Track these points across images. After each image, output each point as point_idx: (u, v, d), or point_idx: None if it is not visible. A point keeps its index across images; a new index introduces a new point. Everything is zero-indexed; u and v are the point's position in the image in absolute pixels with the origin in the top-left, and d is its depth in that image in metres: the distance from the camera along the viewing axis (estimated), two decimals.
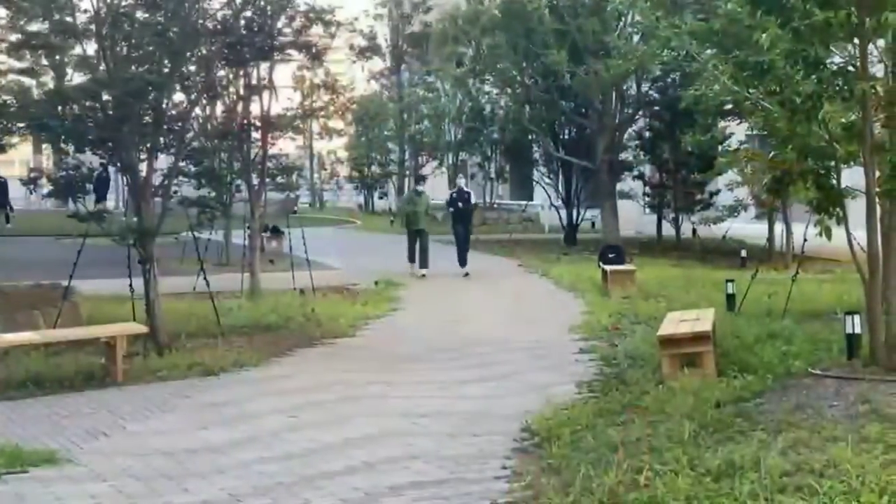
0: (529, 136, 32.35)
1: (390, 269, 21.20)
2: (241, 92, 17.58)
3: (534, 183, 36.27)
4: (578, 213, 31.71)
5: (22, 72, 14.76)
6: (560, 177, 32.69)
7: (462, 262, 22.23)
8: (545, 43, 27.01)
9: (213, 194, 19.19)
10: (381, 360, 12.00)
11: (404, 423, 8.74)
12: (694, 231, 29.15)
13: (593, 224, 32.17)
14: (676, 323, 10.71)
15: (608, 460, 6.96)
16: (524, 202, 40.29)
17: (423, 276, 21.34)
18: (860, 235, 9.44)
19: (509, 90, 31.48)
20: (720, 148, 25.00)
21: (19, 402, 9.86)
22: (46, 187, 13.73)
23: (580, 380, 10.44)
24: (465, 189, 24.38)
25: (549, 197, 33.33)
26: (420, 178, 26.00)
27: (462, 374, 11.00)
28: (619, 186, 29.69)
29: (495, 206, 44.42)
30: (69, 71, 15.12)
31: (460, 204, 23.38)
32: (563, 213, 31.89)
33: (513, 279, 21.26)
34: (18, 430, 8.72)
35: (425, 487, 6.86)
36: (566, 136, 32.59)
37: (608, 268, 18.54)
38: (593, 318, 14.87)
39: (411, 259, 22.17)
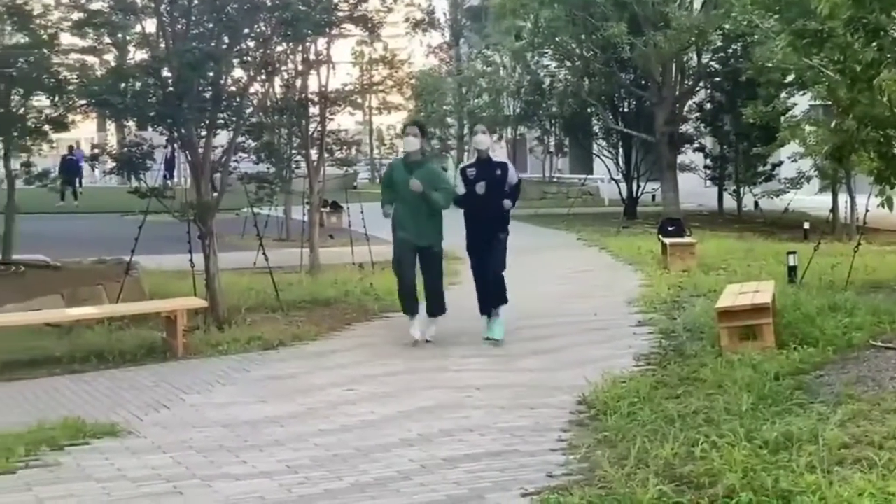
0: (589, 110, 32.15)
1: (450, 242, 21.19)
2: (299, 67, 17.65)
3: (593, 156, 36.07)
4: (638, 187, 31.50)
5: (84, 50, 14.94)
6: (620, 150, 32.48)
7: (485, 306, 11.54)
8: (604, 15, 26.80)
9: (273, 170, 19.34)
10: (437, 333, 12.02)
11: (460, 396, 8.76)
12: (756, 203, 28.86)
13: (653, 197, 31.95)
14: (736, 295, 10.61)
15: (664, 433, 6.94)
16: (584, 176, 40.10)
17: (427, 340, 11.24)
18: None
19: (568, 63, 31.31)
20: (782, 119, 24.67)
21: (82, 376, 10.01)
22: (109, 164, 13.91)
23: (638, 353, 10.38)
24: (497, 159, 11.74)
25: (609, 170, 33.13)
26: (415, 129, 11.44)
27: (518, 348, 10.98)
28: (679, 159, 29.44)
29: (555, 179, 44.29)
30: (131, 49, 15.26)
31: (481, 190, 11.15)
32: (623, 186, 31.70)
33: (571, 252, 21.18)
34: (81, 402, 8.87)
35: (480, 459, 6.87)
36: (626, 109, 32.35)
37: (668, 241, 18.40)
38: (652, 290, 14.78)
39: (409, 309, 11.42)
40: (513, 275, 15.15)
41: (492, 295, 11.37)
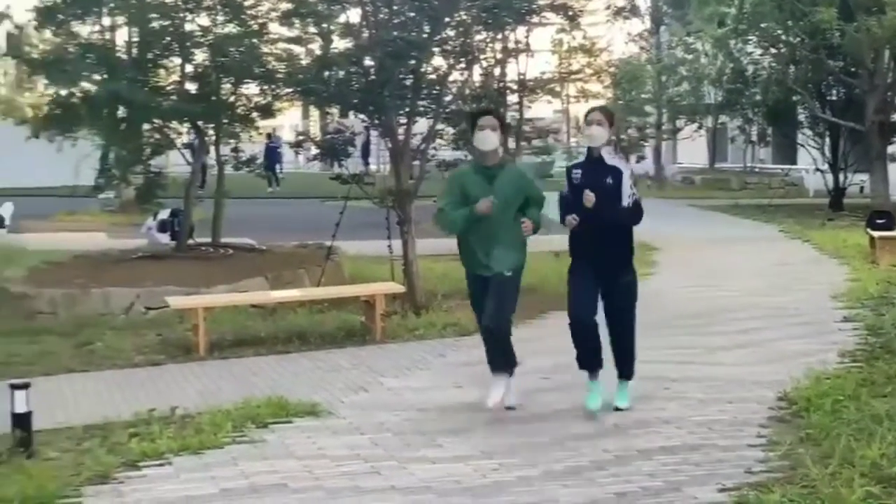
0: (794, 98, 31.14)
1: (647, 231, 20.93)
2: (499, 55, 17.74)
3: (797, 146, 34.95)
4: (845, 178, 30.36)
5: (291, 40, 15.40)
6: (826, 139, 31.35)
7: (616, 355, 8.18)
8: (812, 0, 25.90)
9: (470, 157, 19.49)
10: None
11: (656, 387, 8.63)
12: None
13: (861, 189, 30.71)
14: None
15: (871, 432, 6.70)
16: (787, 166, 38.95)
17: (509, 407, 8.00)
18: None
19: (773, 50, 30.37)
20: None
21: (286, 357, 10.35)
22: (312, 150, 14.30)
23: (843, 349, 10.01)
24: (611, 161, 7.82)
25: (815, 160, 32.02)
26: (491, 119, 8.25)
27: (716, 340, 10.76)
28: (890, 149, 28.21)
29: (756, 169, 43.19)
30: (334, 38, 15.63)
31: (590, 203, 7.65)
32: (829, 177, 30.62)
33: (773, 244, 20.59)
34: (285, 382, 9.17)
35: (676, 452, 6.78)
36: (833, 97, 31.19)
37: (876, 234, 17.66)
38: (859, 285, 14.22)
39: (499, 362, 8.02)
40: (711, 267, 14.86)
41: (616, 358, 8.13)
